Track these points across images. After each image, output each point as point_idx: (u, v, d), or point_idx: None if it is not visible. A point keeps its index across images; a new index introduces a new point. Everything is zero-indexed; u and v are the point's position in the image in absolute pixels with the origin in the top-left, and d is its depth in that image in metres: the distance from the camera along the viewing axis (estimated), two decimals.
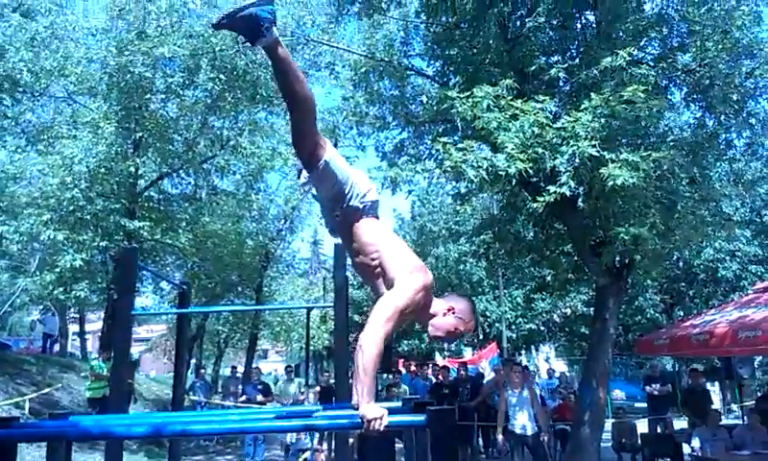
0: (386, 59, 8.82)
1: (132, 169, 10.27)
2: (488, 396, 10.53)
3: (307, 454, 10.07)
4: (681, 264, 17.96)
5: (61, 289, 10.21)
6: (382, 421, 2.19)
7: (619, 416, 11.31)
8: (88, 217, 9.98)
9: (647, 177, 5.98)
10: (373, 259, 2.53)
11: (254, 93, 10.85)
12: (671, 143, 6.98)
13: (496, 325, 22.65)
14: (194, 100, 11.14)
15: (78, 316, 24.33)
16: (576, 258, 8.64)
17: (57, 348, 20.23)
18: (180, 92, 10.75)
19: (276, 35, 2.26)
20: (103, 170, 9.94)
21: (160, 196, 12.36)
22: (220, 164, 12.07)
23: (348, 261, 2.92)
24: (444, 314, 2.52)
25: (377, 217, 2.67)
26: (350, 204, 2.56)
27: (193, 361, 20.03)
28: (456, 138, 7.11)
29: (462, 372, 11.58)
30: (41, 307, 17.64)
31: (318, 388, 11.83)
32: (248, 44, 2.32)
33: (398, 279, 2.40)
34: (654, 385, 10.85)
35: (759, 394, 16.04)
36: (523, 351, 25.77)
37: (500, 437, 8.25)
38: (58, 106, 12.01)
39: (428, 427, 2.31)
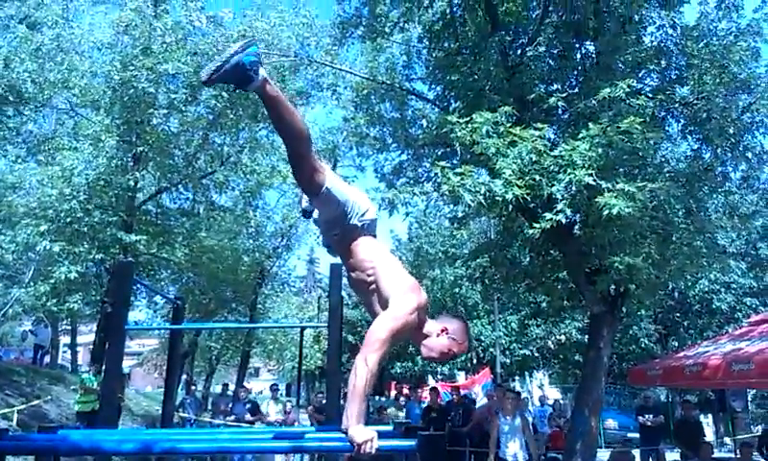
0: (388, 81, 8.91)
1: (132, 182, 10.28)
2: (481, 421, 10.46)
3: None
4: (676, 295, 18.00)
5: (55, 301, 10.15)
6: (372, 443, 2.17)
7: (614, 446, 11.24)
8: (85, 229, 9.96)
9: (643, 207, 6.02)
10: (369, 276, 2.56)
11: (256, 111, 10.92)
12: (667, 174, 7.04)
13: (490, 349, 22.57)
14: (196, 116, 11.22)
15: (69, 328, 24.15)
16: (571, 285, 8.65)
17: (47, 359, 20.06)
18: (183, 108, 10.82)
19: (264, 74, 2.29)
20: (102, 183, 9.95)
21: (158, 210, 12.35)
22: (219, 180, 12.09)
23: (345, 279, 2.94)
24: (438, 335, 2.52)
25: (375, 236, 2.70)
26: (350, 222, 2.59)
27: (184, 377, 19.85)
28: (455, 162, 7.16)
29: (455, 396, 11.51)
30: (33, 318, 17.52)
31: (311, 408, 11.73)
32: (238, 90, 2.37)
33: (393, 299, 2.41)
34: (647, 416, 10.78)
35: (755, 427, 15.99)
36: (517, 377, 25.64)
37: None
38: (60, 117, 12.09)
39: (419, 452, 2.31)
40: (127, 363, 32.87)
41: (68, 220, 9.54)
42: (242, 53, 2.22)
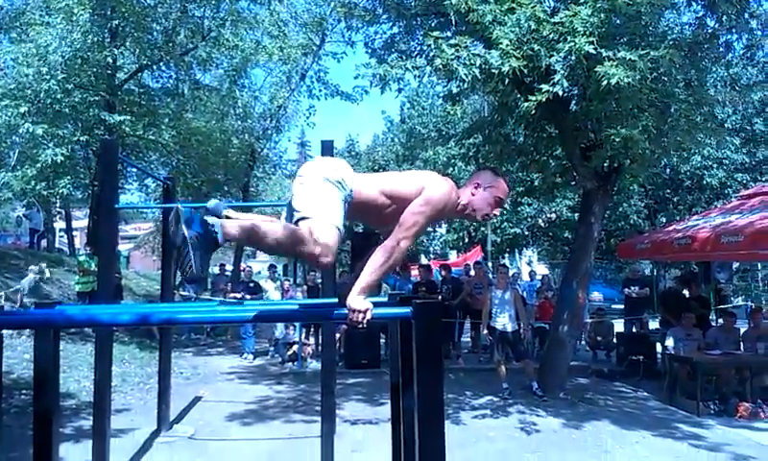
0: None
1: (110, 59, 9.79)
2: (468, 293, 10.87)
3: (295, 348, 10.41)
4: (667, 171, 18.02)
5: (44, 184, 10.01)
6: (366, 314, 2.19)
7: (599, 316, 11.73)
8: (67, 110, 9.61)
9: (643, 77, 5.82)
10: (385, 205, 2.43)
11: None
12: (670, 43, 6.74)
13: (482, 228, 22.92)
14: None
15: (63, 212, 24.20)
16: (565, 162, 8.59)
17: (44, 243, 20.26)
18: None
19: (224, 225, 2.16)
20: (79, 60, 9.47)
21: (141, 90, 11.89)
22: (201, 57, 11.56)
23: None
24: (473, 194, 2.50)
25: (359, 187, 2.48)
26: (349, 206, 2.41)
27: None
28: (449, 35, 6.81)
29: (444, 272, 11.84)
30: (24, 203, 17.46)
31: (305, 287, 12.06)
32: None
33: (426, 187, 2.35)
34: (633, 288, 11.15)
35: (735, 299, 16.66)
36: (507, 255, 26.27)
37: (485, 332, 8.59)
38: None
39: (414, 320, 2.33)
40: (125, 246, 33.48)
41: (48, 101, 9.17)
42: (185, 227, 2.08)
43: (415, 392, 2.37)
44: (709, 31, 7.40)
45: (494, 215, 2.57)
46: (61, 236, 28.92)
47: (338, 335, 10.51)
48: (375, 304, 2.64)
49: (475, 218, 2.56)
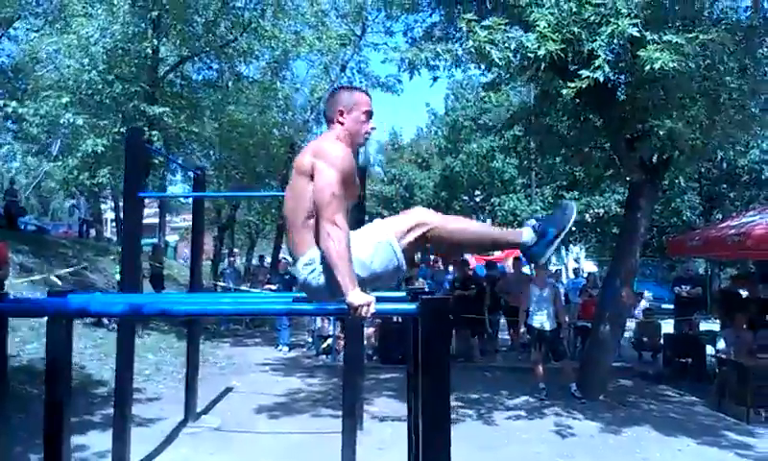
0: None
1: (150, 50, 9.88)
2: (503, 290, 10.65)
3: (330, 341, 10.35)
4: (724, 165, 17.11)
5: (87, 174, 10.23)
6: (369, 308, 2.11)
7: (646, 316, 11.23)
8: (108, 101, 9.77)
9: (691, 63, 5.41)
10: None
11: None
12: (724, 26, 6.28)
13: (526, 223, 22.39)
14: None
15: (114, 203, 24.93)
16: (610, 154, 8.19)
17: (92, 233, 20.89)
18: None
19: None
20: (120, 51, 9.61)
21: (182, 82, 12.01)
22: (242, 49, 11.57)
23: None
24: (343, 122, 2.40)
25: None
26: None
27: (226, 250, 20.50)
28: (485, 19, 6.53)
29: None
30: (68, 193, 18.04)
31: None
32: None
33: (310, 158, 2.27)
34: (683, 287, 10.63)
35: None
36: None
37: (522, 329, 8.32)
38: None
39: (419, 316, 2.19)
40: (172, 237, 34.35)
41: (89, 92, 9.35)
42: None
43: (419, 393, 2.23)
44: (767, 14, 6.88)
45: (372, 129, 2.49)
46: (113, 226, 29.91)
47: (372, 330, 10.40)
48: (390, 300, 2.55)
49: (360, 143, 2.48)
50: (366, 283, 2.26)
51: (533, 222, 2.48)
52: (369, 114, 2.44)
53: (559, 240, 2.40)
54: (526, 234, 2.42)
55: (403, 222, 2.33)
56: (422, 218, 2.33)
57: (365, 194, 6.60)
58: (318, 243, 2.24)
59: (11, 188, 17.24)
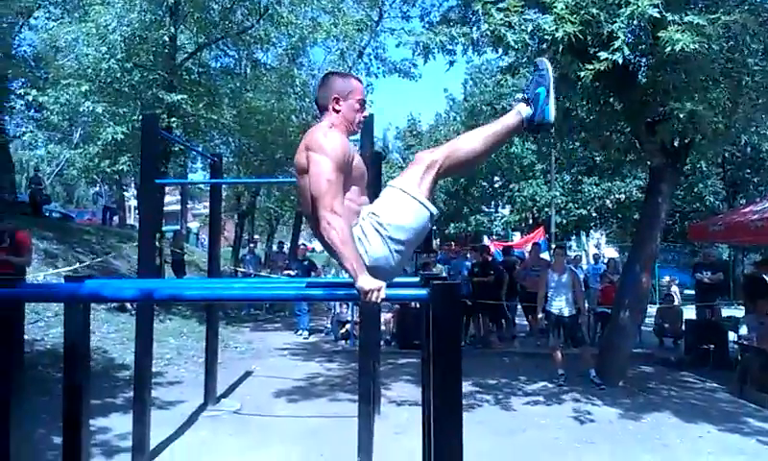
0: None
1: (167, 38, 9.93)
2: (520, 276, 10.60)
3: (348, 326, 10.41)
4: (748, 149, 16.75)
5: (108, 162, 10.36)
6: (380, 293, 2.13)
7: (667, 302, 11.07)
8: (126, 89, 9.87)
9: (713, 44, 5.28)
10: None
11: None
12: (747, 7, 6.11)
13: (546, 209, 22.22)
14: None
15: (136, 190, 25.25)
16: (631, 138, 8.05)
17: (116, 220, 21.21)
18: None
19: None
20: (138, 39, 9.68)
21: (200, 69, 12.07)
22: (259, 36, 11.58)
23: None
24: (339, 110, 2.38)
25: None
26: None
27: (246, 237, 20.68)
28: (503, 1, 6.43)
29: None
30: (89, 181, 18.31)
31: None
32: None
33: (305, 147, 2.27)
34: (705, 272, 10.45)
35: None
36: (573, 237, 25.39)
37: (540, 315, 8.28)
38: None
39: (430, 302, 2.18)
40: (194, 224, 34.72)
41: (108, 80, 9.45)
42: None
43: (431, 380, 2.23)
44: None
45: (365, 117, 2.48)
46: (136, 213, 30.29)
47: (390, 315, 10.44)
48: (402, 286, 2.58)
49: (354, 131, 2.47)
50: (412, 244, 2.30)
51: (520, 95, 2.47)
52: (362, 102, 2.43)
53: (553, 93, 2.38)
54: (523, 109, 2.40)
55: (415, 173, 2.31)
56: (429, 159, 2.32)
57: (382, 181, 6.59)
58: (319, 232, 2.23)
59: (35, 176, 17.56)
